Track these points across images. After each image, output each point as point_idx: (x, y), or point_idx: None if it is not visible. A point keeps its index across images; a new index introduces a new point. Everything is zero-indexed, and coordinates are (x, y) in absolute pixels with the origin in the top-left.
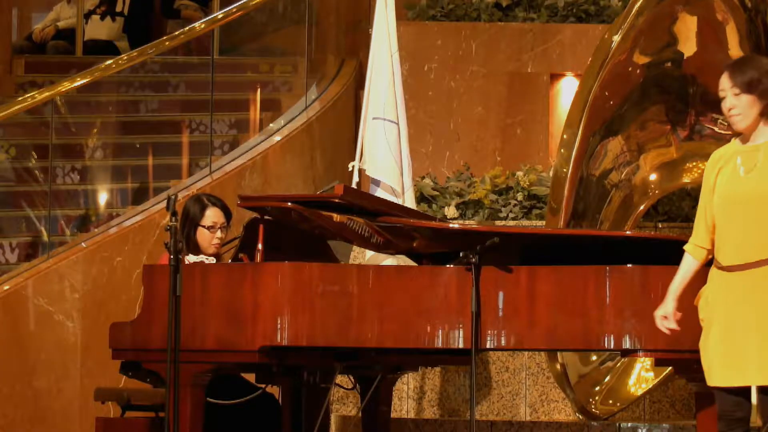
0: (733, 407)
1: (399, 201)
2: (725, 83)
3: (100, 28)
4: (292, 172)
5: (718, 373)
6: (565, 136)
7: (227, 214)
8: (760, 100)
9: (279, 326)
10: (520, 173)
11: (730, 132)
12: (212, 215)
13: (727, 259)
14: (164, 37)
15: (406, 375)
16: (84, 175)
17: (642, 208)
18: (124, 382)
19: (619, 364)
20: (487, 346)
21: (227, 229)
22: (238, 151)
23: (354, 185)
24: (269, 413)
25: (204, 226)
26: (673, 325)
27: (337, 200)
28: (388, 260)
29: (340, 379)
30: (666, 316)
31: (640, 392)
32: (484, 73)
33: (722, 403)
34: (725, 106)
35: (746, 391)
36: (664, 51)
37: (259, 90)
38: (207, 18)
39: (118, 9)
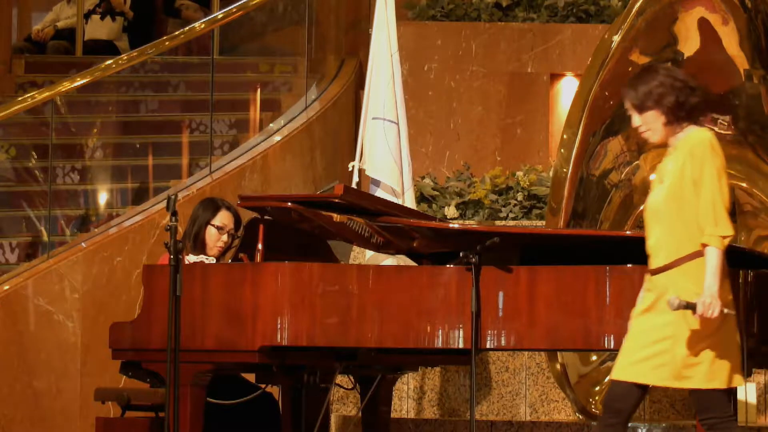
0: (617, 398)
1: (399, 201)
2: (626, 103)
3: (100, 28)
4: (292, 172)
5: (616, 366)
6: (565, 136)
7: (237, 221)
8: (661, 110)
9: (279, 326)
10: (520, 173)
11: (730, 132)
12: (223, 217)
13: (649, 264)
14: (164, 37)
15: (406, 375)
16: (84, 175)
17: (642, 208)
18: (124, 382)
19: None
20: (487, 346)
21: (234, 237)
22: (238, 151)
23: (354, 185)
24: (269, 413)
25: (214, 225)
26: None
27: (337, 200)
28: (388, 260)
29: (340, 379)
30: None
31: None
32: (484, 73)
33: (609, 392)
34: (633, 124)
35: (643, 388)
36: (664, 51)
37: (259, 90)
38: (207, 18)
39: (118, 8)
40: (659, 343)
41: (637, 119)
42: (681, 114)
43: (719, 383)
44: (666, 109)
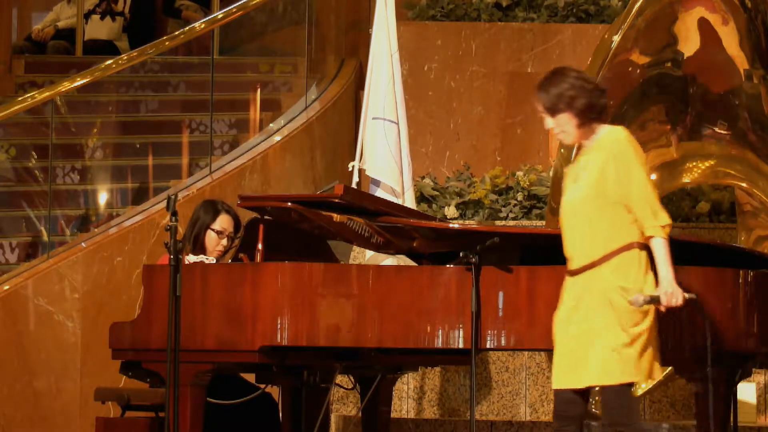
0: (565, 406)
1: (399, 201)
2: (538, 106)
3: (100, 28)
4: (292, 172)
5: (554, 376)
6: None
7: (237, 225)
8: (573, 113)
9: (279, 326)
10: (520, 173)
11: (730, 132)
12: (223, 221)
13: (569, 265)
14: (164, 37)
15: (406, 375)
16: (84, 175)
17: None
18: (124, 382)
19: None
20: (487, 346)
21: (233, 240)
22: (238, 151)
23: (354, 185)
24: (269, 413)
25: (213, 230)
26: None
27: (337, 200)
28: (388, 260)
29: (340, 379)
30: None
31: (640, 392)
32: (484, 73)
33: (556, 402)
34: (546, 127)
35: (584, 391)
36: (664, 51)
37: (259, 90)
38: (207, 18)
39: (119, 9)
40: (591, 345)
41: (549, 122)
42: (592, 115)
43: (642, 377)
44: (577, 111)
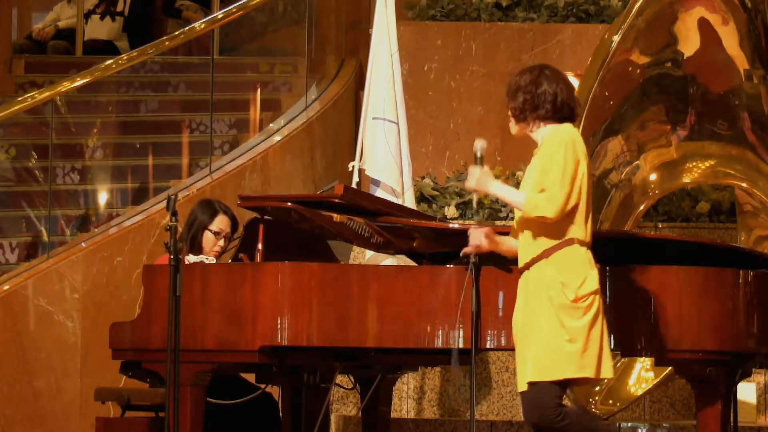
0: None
1: (399, 201)
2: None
3: (100, 28)
4: (292, 172)
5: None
6: None
7: (234, 225)
8: (512, 105)
9: (279, 326)
10: (520, 173)
11: (730, 132)
12: (221, 222)
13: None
14: (164, 37)
15: (406, 375)
16: (84, 175)
17: (642, 208)
18: (124, 382)
19: (619, 364)
20: (487, 346)
21: (230, 240)
22: (238, 151)
23: (354, 185)
24: (269, 413)
25: (211, 230)
26: None
27: (337, 200)
28: (388, 260)
29: (340, 379)
30: None
31: (640, 392)
32: (484, 73)
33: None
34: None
35: None
36: (664, 51)
37: (259, 90)
38: (207, 18)
39: (119, 9)
40: (531, 343)
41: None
42: (529, 115)
43: (589, 372)
44: (515, 105)
